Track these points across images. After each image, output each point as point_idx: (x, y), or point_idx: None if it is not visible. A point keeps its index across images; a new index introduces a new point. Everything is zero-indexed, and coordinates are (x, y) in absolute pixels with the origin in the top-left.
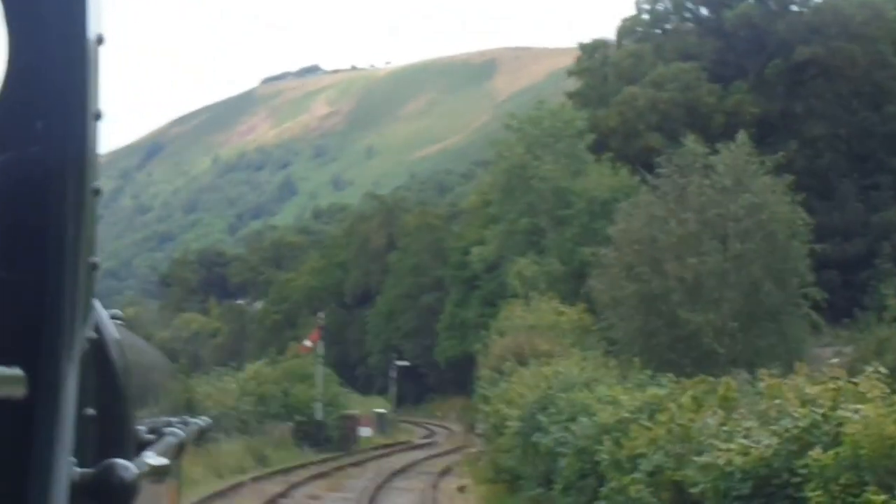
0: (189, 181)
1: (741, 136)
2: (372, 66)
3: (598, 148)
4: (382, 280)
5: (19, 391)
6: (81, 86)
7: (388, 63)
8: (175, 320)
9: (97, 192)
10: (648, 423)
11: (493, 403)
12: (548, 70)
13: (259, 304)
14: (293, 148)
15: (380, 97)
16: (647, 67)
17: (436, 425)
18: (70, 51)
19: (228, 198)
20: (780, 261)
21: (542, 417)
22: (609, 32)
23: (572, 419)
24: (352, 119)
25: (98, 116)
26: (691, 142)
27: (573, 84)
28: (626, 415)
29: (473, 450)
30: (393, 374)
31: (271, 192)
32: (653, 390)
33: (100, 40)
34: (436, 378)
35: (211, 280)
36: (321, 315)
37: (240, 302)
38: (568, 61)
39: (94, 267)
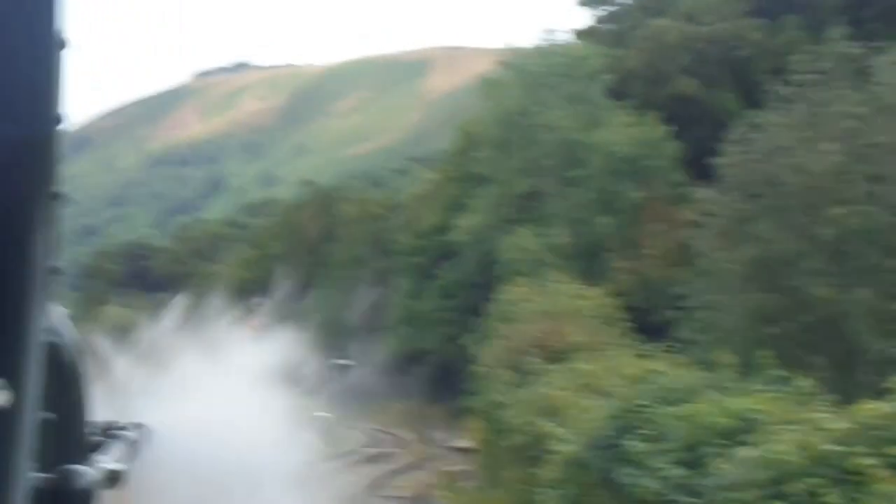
0: (115, 175)
1: None
2: (304, 62)
3: (615, 95)
4: (318, 273)
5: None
6: (45, 91)
7: (319, 60)
8: (96, 313)
9: (59, 196)
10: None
11: (516, 413)
12: (481, 70)
13: (186, 299)
14: (222, 143)
15: (311, 94)
16: None
17: (380, 431)
18: (34, 55)
19: (155, 192)
20: None
21: (632, 443)
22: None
23: (691, 448)
24: (282, 115)
25: (59, 120)
26: (838, 36)
27: (582, 19)
28: (831, 447)
29: (455, 468)
30: (332, 374)
31: (199, 187)
32: (872, 405)
33: (62, 44)
34: (376, 377)
35: (135, 272)
36: (261, 301)
37: (165, 295)
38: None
39: (54, 271)
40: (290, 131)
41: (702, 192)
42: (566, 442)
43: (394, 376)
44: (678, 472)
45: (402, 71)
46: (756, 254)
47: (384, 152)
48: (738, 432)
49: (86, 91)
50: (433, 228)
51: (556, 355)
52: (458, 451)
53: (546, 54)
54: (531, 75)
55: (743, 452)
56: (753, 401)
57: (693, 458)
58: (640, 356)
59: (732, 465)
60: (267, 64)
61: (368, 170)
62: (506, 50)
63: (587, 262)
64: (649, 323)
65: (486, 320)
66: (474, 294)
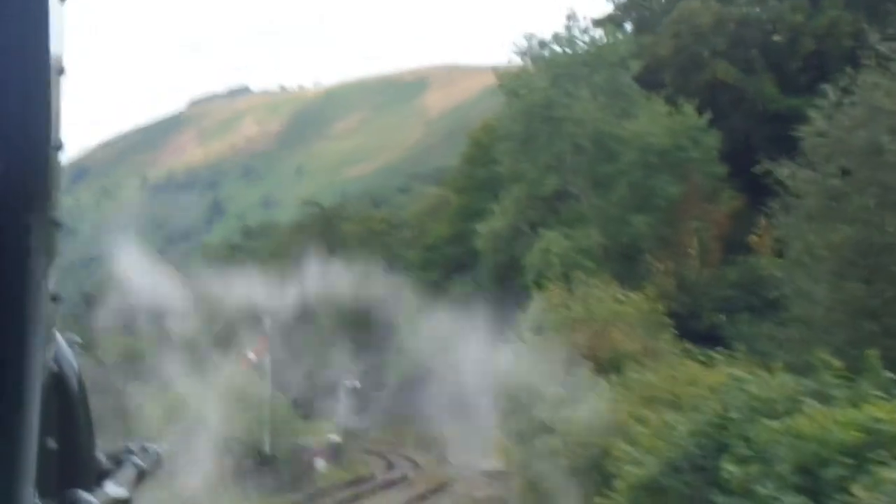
0: (116, 204)
1: None
2: (301, 85)
3: (644, 84)
4: None
5: None
6: (43, 118)
7: (317, 82)
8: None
9: (58, 223)
10: None
11: (566, 432)
12: (480, 87)
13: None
14: (222, 168)
15: (309, 116)
16: None
17: (393, 454)
18: (32, 81)
19: (156, 219)
20: None
21: (726, 465)
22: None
23: (807, 470)
24: (281, 139)
25: (59, 148)
26: None
27: (604, 7)
28: None
29: (484, 494)
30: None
31: (200, 213)
32: None
33: (61, 71)
34: (386, 400)
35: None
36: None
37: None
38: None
39: (55, 298)
40: (289, 154)
41: (784, 169)
42: (638, 464)
43: (404, 396)
44: (795, 500)
45: (400, 90)
46: (853, 236)
47: (384, 171)
48: (868, 448)
49: (83, 120)
50: (443, 241)
51: (607, 366)
52: (486, 475)
53: (570, 42)
54: (555, 65)
55: (886, 474)
56: (882, 410)
57: (812, 483)
58: (705, 363)
59: (874, 491)
60: (264, 88)
61: (369, 189)
62: (526, 37)
63: (623, 264)
64: (691, 328)
65: (517, 332)
66: (491, 308)
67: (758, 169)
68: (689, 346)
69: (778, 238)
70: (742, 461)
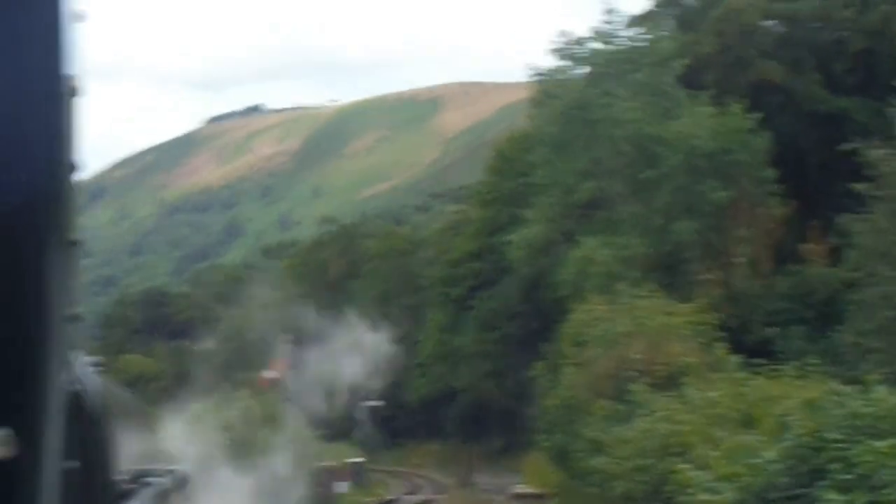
0: (133, 224)
1: None
2: (317, 104)
3: (686, 84)
4: (343, 312)
5: (6, 452)
6: (59, 139)
7: (333, 101)
8: (116, 363)
9: (75, 243)
10: None
11: (620, 453)
12: (496, 105)
13: (206, 344)
14: (239, 188)
15: (326, 135)
16: None
17: (415, 475)
18: (47, 104)
19: (173, 240)
20: None
21: (827, 494)
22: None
23: None
24: (298, 158)
25: (74, 168)
26: None
27: (641, 4)
28: None
29: None
30: (361, 416)
31: (217, 233)
32: None
33: (76, 92)
34: (405, 420)
35: (155, 320)
36: (287, 340)
37: (185, 342)
38: (516, 97)
39: (74, 319)
40: (306, 174)
41: (877, 150)
42: (713, 491)
43: (425, 416)
44: None
45: (416, 109)
46: None
47: (402, 190)
48: None
49: (98, 140)
50: (468, 256)
51: (664, 381)
52: (517, 499)
53: (610, 38)
54: (594, 62)
55: None
56: None
57: None
58: (772, 377)
59: None
60: (280, 107)
61: (387, 208)
62: (563, 34)
63: (666, 274)
64: (741, 341)
65: (556, 346)
66: (517, 324)
67: (844, 147)
68: (748, 359)
69: (837, 242)
70: (845, 488)
